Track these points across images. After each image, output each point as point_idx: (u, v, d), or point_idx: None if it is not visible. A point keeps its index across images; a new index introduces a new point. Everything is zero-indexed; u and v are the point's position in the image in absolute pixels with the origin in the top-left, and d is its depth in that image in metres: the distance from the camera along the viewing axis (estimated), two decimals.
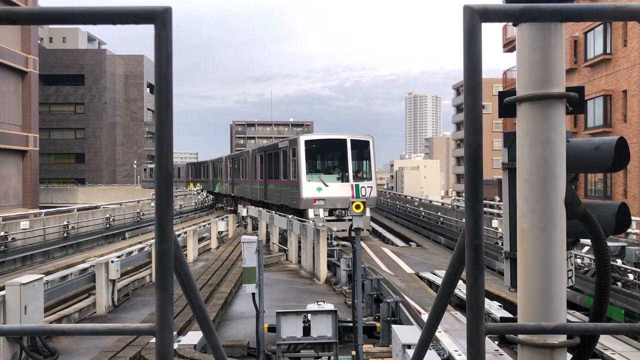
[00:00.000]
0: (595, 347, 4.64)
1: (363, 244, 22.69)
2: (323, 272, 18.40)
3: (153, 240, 5.75)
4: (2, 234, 21.99)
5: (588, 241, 7.35)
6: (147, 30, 1.15)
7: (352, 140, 26.25)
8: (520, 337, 2.25)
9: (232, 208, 46.14)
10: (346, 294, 15.71)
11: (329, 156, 29.15)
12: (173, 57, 1.12)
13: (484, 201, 1.59)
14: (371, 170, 26.91)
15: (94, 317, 13.88)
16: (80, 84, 68.69)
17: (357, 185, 25.52)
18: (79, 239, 27.61)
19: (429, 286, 16.90)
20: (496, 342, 9.69)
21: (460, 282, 3.86)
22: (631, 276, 13.34)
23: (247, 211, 32.96)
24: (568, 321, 2.52)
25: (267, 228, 26.54)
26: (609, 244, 5.55)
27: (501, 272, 14.82)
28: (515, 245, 2.41)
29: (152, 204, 6.60)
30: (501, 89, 42.57)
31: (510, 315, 8.56)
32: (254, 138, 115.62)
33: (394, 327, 9.27)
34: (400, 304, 11.60)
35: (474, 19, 1.13)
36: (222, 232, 28.49)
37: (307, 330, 9.76)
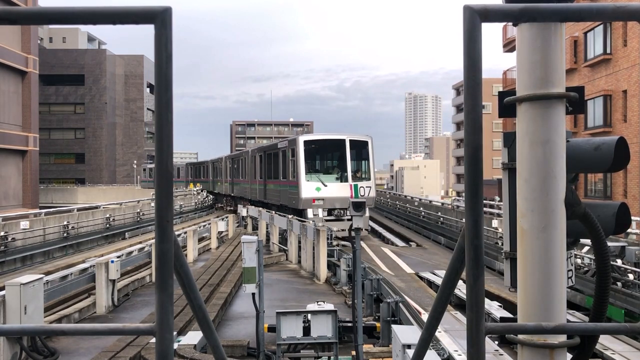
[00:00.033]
0: (595, 347, 4.64)
1: (363, 244, 22.70)
2: (323, 272, 18.41)
3: (153, 240, 5.75)
4: (2, 234, 21.99)
5: (588, 241, 7.35)
6: (147, 30, 1.15)
7: (351, 141, 26.31)
8: (520, 337, 2.25)
9: (231, 208, 46.16)
10: (346, 294, 15.71)
11: (328, 156, 29.19)
12: (173, 57, 1.12)
13: (484, 201, 1.59)
14: (370, 170, 26.97)
15: (94, 317, 13.88)
16: (80, 84, 68.70)
17: (355, 185, 25.57)
18: (79, 239, 27.61)
19: (429, 286, 16.90)
20: (496, 342, 9.69)
21: (460, 282, 3.86)
22: (631, 276, 13.34)
23: (247, 211, 32.97)
24: (568, 321, 2.52)
25: (267, 228, 26.55)
26: (609, 244, 5.55)
27: (501, 272, 14.82)
28: (515, 245, 2.41)
29: (152, 204, 6.60)
30: (501, 89, 42.58)
31: (510, 315, 8.56)
32: (254, 138, 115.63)
33: (394, 327, 9.27)
34: (400, 304, 11.59)
35: (474, 19, 1.13)
36: (222, 232, 28.50)
37: (307, 330, 9.76)
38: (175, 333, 2.98)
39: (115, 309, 14.58)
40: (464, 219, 1.38)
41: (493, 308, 12.94)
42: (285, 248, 23.40)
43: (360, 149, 27.03)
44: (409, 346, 7.44)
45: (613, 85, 25.74)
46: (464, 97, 1.18)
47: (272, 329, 10.32)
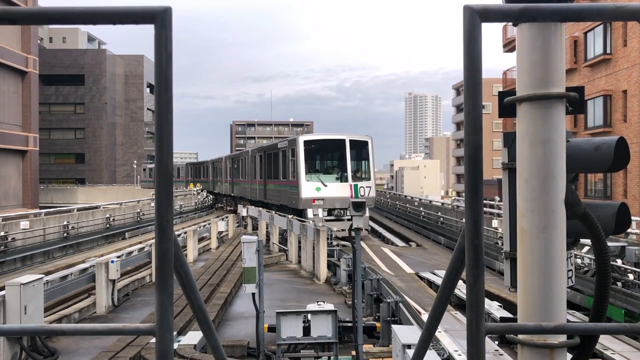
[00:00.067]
0: (595, 347, 4.64)
1: (363, 244, 22.70)
2: (323, 272, 18.41)
3: (153, 240, 5.75)
4: (2, 234, 21.99)
5: (588, 241, 7.35)
6: (147, 30, 1.15)
7: (350, 141, 26.34)
8: (520, 337, 2.25)
9: (231, 208, 46.19)
10: (346, 294, 15.71)
11: (328, 156, 29.21)
12: (173, 57, 1.12)
13: (484, 201, 1.59)
14: (370, 170, 27.00)
15: (94, 317, 13.87)
16: (80, 84, 68.70)
17: (355, 185, 25.59)
18: (79, 239, 27.61)
19: (429, 286, 16.90)
20: (496, 342, 9.68)
21: (460, 282, 3.86)
22: (631, 276, 13.34)
23: (247, 211, 32.98)
24: (568, 321, 2.52)
25: (267, 228, 26.56)
26: (609, 244, 5.55)
27: (501, 272, 14.82)
28: (515, 245, 2.41)
29: (152, 204, 6.59)
30: (501, 89, 42.58)
31: (510, 315, 8.56)
32: (254, 138, 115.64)
33: (394, 327, 9.27)
34: (400, 304, 11.59)
35: (474, 19, 1.13)
36: (222, 232, 28.50)
37: (307, 330, 9.76)
38: (175, 333, 2.98)
39: (115, 309, 14.58)
40: (464, 219, 1.38)
41: (493, 308, 12.94)
42: (285, 248, 23.40)
43: (360, 149, 27.04)
44: (409, 346, 7.44)
45: (613, 85, 25.75)
46: (464, 97, 1.18)
47: (272, 329, 10.32)
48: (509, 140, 2.71)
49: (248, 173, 38.77)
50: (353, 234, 10.43)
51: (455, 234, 25.77)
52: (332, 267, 19.20)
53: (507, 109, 2.33)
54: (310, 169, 26.86)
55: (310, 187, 25.67)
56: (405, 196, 43.08)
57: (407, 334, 8.06)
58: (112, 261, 14.61)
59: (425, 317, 10.73)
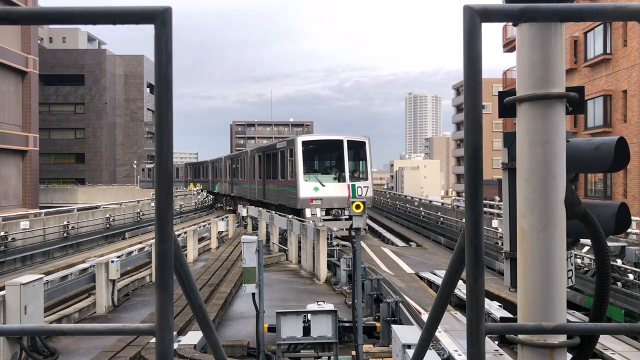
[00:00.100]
0: (595, 347, 4.64)
1: (363, 244, 22.71)
2: (323, 272, 18.41)
3: (153, 240, 5.75)
4: (2, 234, 21.99)
5: (588, 241, 7.35)
6: (147, 30, 1.15)
7: (348, 141, 26.49)
8: (520, 337, 2.25)
9: (231, 208, 46.25)
10: (346, 294, 15.71)
11: (326, 156, 29.30)
12: (173, 57, 1.12)
13: (484, 201, 1.59)
14: (367, 171, 27.11)
15: (94, 317, 13.87)
16: (80, 84, 68.70)
17: (353, 185, 25.72)
18: (79, 239, 27.61)
19: (429, 286, 16.90)
20: (496, 342, 9.68)
21: (460, 282, 3.86)
22: (631, 276, 13.34)
23: (247, 211, 33.00)
24: (568, 321, 2.52)
25: (267, 228, 26.58)
26: (609, 244, 5.55)
27: (501, 272, 14.82)
28: (515, 245, 2.41)
29: (152, 204, 6.59)
30: (501, 89, 42.58)
31: (510, 315, 8.56)
32: (254, 138, 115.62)
33: (394, 327, 9.27)
34: (400, 304, 11.59)
35: (474, 19, 1.13)
36: (222, 232, 28.51)
37: (307, 330, 9.76)
38: (175, 333, 2.98)
39: (115, 309, 14.58)
40: (464, 219, 1.38)
41: (493, 308, 12.94)
42: (285, 248, 23.41)
43: (358, 149, 27.17)
44: (409, 346, 7.45)
45: (613, 85, 25.75)
46: (464, 97, 1.18)
47: (272, 329, 10.32)
48: (509, 140, 2.71)
49: (247, 173, 38.85)
50: (353, 233, 10.44)
51: (455, 234, 25.77)
52: (332, 267, 19.20)
53: (507, 109, 2.33)
54: (309, 169, 26.95)
55: (308, 187, 25.81)
56: (405, 196, 43.08)
57: (407, 334, 8.06)
58: (112, 261, 14.61)
59: (425, 317, 10.73)
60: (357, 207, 10.65)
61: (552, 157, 2.18)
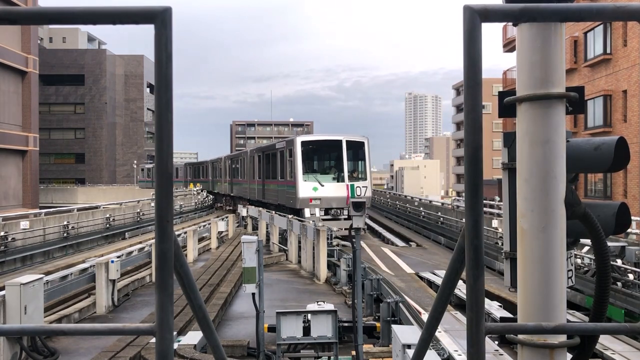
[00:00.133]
0: (595, 347, 4.64)
1: (363, 244, 22.70)
2: (323, 272, 18.41)
3: (153, 240, 5.75)
4: (2, 234, 21.99)
5: (588, 241, 7.35)
6: (147, 30, 1.15)
7: (347, 141, 26.57)
8: (520, 337, 2.25)
9: (231, 207, 46.29)
10: (346, 294, 15.71)
11: (325, 157, 29.37)
12: (173, 57, 1.12)
13: (484, 201, 1.59)
14: (366, 171, 27.16)
15: (94, 317, 13.87)
16: (80, 84, 68.70)
17: (352, 185, 25.78)
18: (79, 239, 27.61)
19: (429, 286, 16.90)
20: (496, 342, 9.68)
21: (460, 282, 3.86)
22: (631, 276, 13.34)
23: (247, 211, 33.02)
24: (568, 321, 2.52)
25: (267, 228, 26.60)
26: (609, 244, 5.55)
27: (501, 272, 14.82)
28: (515, 245, 2.41)
29: (152, 204, 6.59)
30: (501, 89, 42.58)
31: (510, 315, 8.56)
32: (254, 138, 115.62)
33: (394, 327, 9.27)
34: (400, 304, 11.59)
35: (474, 19, 1.13)
36: (222, 232, 28.51)
37: (307, 330, 9.76)
38: (175, 333, 2.98)
39: (115, 309, 14.58)
40: (464, 219, 1.38)
41: (493, 308, 12.94)
42: (285, 248, 23.41)
43: (357, 149, 27.23)
44: (409, 346, 7.45)
45: (613, 85, 25.75)
46: (464, 97, 1.18)
47: (272, 329, 10.32)
48: (509, 140, 2.71)
49: (247, 173, 38.90)
50: (353, 233, 10.44)
51: (455, 234, 25.78)
52: (332, 267, 19.20)
53: (507, 109, 2.33)
54: (308, 169, 27.00)
55: (307, 187, 25.88)
56: (405, 196, 43.08)
57: (407, 334, 8.06)
58: (112, 261, 14.61)
59: (425, 317, 10.73)
60: (357, 206, 10.65)
61: (552, 157, 2.18)
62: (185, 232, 23.11)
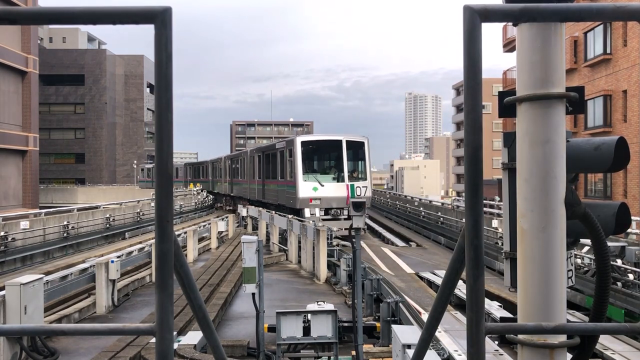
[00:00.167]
0: (595, 347, 4.64)
1: (363, 244, 22.70)
2: (323, 272, 18.41)
3: (153, 240, 5.75)
4: (2, 234, 21.99)
5: (588, 241, 7.35)
6: (147, 30, 1.15)
7: (347, 141, 26.57)
8: (520, 337, 2.25)
9: (231, 207, 46.30)
10: (346, 294, 15.71)
11: (325, 157, 29.39)
12: (173, 57, 1.12)
13: (484, 201, 1.59)
14: (366, 171, 27.17)
15: (94, 317, 13.87)
16: (80, 84, 68.70)
17: (352, 185, 25.79)
18: (79, 239, 27.61)
19: (429, 286, 16.90)
20: (496, 342, 9.68)
21: (460, 282, 3.86)
22: (631, 276, 13.34)
23: (247, 211, 33.03)
24: (568, 321, 2.52)
25: (267, 228, 26.60)
26: (609, 244, 5.55)
27: (501, 272, 14.82)
28: (515, 245, 2.41)
29: (152, 204, 6.60)
30: (501, 89, 42.58)
31: (510, 315, 8.56)
32: (254, 138, 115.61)
33: (394, 327, 9.27)
34: (400, 304, 11.60)
35: (474, 19, 1.13)
36: (222, 232, 28.52)
37: (307, 330, 9.76)
38: (175, 333, 2.98)
39: (115, 309, 14.58)
40: (464, 219, 1.38)
41: (493, 308, 12.94)
42: (285, 248, 23.41)
43: (357, 149, 27.24)
44: (409, 346, 7.45)
45: (613, 85, 25.75)
46: (464, 97, 1.18)
47: (272, 329, 10.32)
48: (509, 140, 2.71)
49: (247, 173, 38.91)
50: (353, 233, 10.44)
51: (455, 234, 25.78)
52: (332, 267, 19.20)
53: (507, 109, 2.33)
54: (308, 169, 27.01)
55: (307, 187, 25.89)
56: (405, 196, 43.08)
57: (407, 334, 8.06)
58: (112, 261, 14.61)
59: (425, 317, 10.73)
60: (357, 206, 10.64)
61: (552, 157, 2.18)
62: (185, 232, 23.12)
